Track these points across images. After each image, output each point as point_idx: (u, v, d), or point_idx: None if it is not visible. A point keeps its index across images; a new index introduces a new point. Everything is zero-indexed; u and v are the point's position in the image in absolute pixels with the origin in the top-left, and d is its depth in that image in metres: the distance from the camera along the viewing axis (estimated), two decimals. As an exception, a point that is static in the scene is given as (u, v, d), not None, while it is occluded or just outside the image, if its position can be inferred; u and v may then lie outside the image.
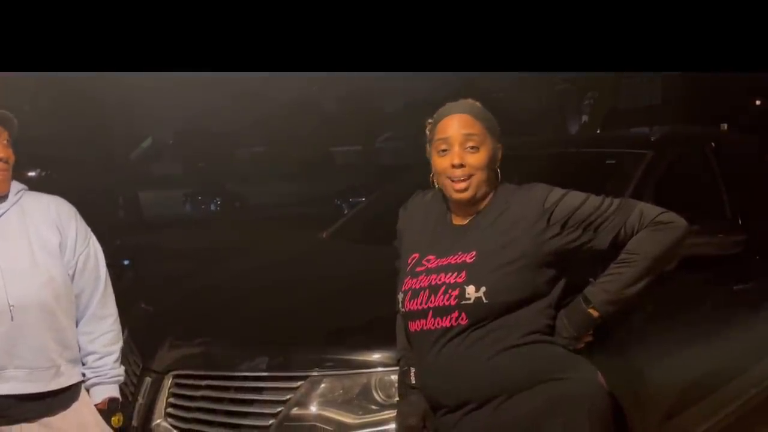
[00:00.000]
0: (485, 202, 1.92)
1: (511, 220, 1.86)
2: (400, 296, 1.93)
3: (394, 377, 2.12)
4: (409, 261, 1.95)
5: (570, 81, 22.91)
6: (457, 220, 1.95)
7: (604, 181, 2.78)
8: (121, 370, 2.19)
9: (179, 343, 2.58)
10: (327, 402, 2.22)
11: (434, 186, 1.96)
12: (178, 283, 3.55)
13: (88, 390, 2.13)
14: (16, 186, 2.07)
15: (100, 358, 2.13)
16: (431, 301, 1.83)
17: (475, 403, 1.80)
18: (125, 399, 2.39)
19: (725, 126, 4.59)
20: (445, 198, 1.96)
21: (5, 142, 2.01)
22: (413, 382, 1.95)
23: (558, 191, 1.87)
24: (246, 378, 2.34)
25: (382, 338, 2.18)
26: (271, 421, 2.23)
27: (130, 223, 17.03)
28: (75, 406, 2.07)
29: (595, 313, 1.85)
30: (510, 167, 1.96)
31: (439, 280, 1.84)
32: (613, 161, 3.28)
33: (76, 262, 2.09)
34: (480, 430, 1.80)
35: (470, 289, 1.79)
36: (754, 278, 3.27)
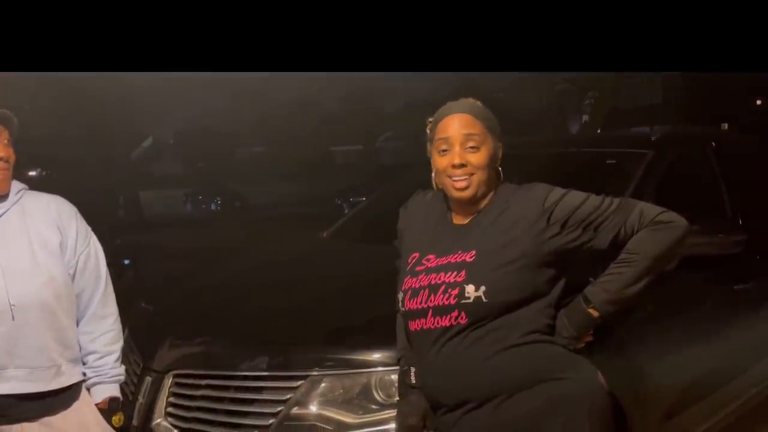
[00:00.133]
0: (486, 202, 1.92)
1: (511, 219, 1.86)
2: (400, 295, 1.93)
3: (394, 377, 2.13)
4: (409, 260, 1.95)
5: (570, 81, 22.93)
6: (458, 220, 1.95)
7: (605, 181, 2.77)
8: (122, 369, 2.19)
9: (179, 342, 2.58)
10: (327, 401, 2.22)
11: (435, 186, 1.96)
12: (179, 282, 3.54)
13: (88, 389, 2.13)
14: (16, 185, 2.07)
15: (101, 358, 2.13)
16: (431, 301, 1.83)
17: (475, 403, 1.80)
18: (126, 398, 2.39)
19: (725, 126, 4.60)
20: (445, 197, 1.96)
21: (6, 141, 2.01)
22: (413, 381, 1.95)
23: (558, 191, 1.87)
24: (246, 377, 2.34)
25: (382, 338, 2.18)
26: (271, 421, 2.23)
27: (130, 222, 17.05)
28: (76, 405, 2.07)
29: (595, 313, 1.85)
30: (510, 167, 1.96)
31: (439, 279, 1.84)
32: (614, 161, 3.27)
33: (77, 262, 2.09)
34: (480, 430, 1.80)
35: (470, 289, 1.79)
36: (754, 278, 3.27)
